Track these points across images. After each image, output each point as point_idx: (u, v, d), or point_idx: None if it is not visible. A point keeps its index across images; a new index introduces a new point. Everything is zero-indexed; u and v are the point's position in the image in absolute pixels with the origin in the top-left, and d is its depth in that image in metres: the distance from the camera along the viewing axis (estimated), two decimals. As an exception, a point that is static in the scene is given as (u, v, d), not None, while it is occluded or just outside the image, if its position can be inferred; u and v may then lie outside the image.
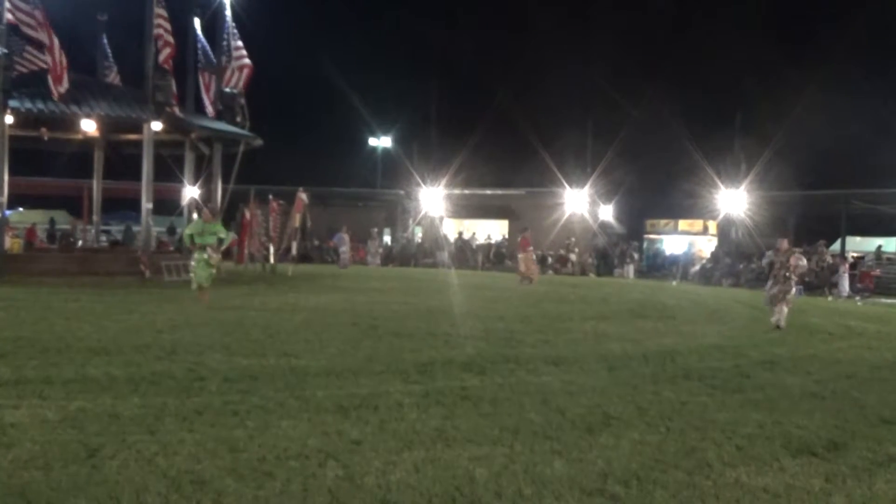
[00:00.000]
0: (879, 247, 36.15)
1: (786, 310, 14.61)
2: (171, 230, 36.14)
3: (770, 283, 15.11)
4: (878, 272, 31.85)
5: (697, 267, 36.44)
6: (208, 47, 26.09)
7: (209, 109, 25.66)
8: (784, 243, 15.32)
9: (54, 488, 4.78)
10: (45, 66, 20.10)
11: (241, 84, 24.89)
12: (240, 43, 25.46)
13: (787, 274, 14.77)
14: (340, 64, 59.52)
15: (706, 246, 41.89)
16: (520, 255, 26.85)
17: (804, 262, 15.69)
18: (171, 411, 6.57)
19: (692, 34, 59.79)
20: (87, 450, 5.47)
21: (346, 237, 32.85)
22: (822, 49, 52.77)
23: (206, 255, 15.12)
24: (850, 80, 43.97)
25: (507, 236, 43.90)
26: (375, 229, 39.57)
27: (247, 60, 25.30)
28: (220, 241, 15.64)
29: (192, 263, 15.36)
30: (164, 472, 5.10)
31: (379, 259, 38.20)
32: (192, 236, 15.42)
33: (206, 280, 15.25)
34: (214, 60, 25.78)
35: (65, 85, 20.39)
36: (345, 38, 74.37)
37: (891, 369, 10.47)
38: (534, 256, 27.91)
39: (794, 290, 14.99)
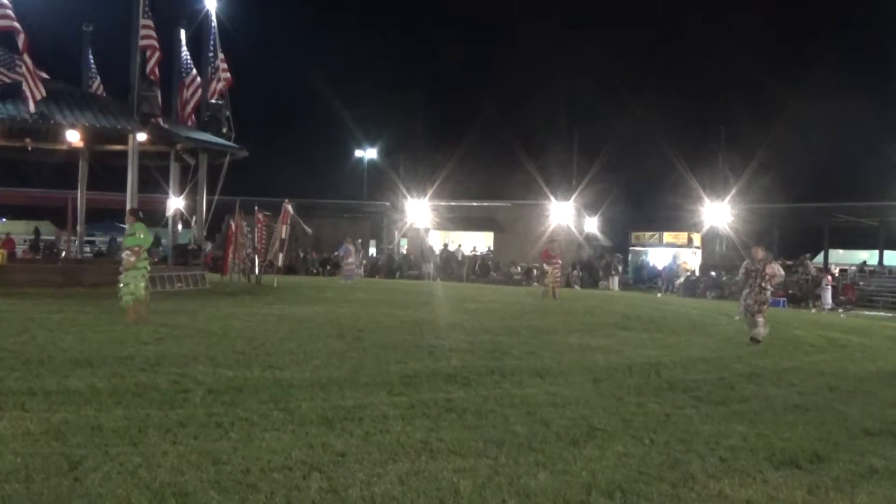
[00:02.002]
0: (864, 263, 36.51)
1: (761, 321, 14.08)
2: (157, 242, 36.01)
3: (745, 292, 14.54)
4: (860, 284, 32.15)
5: (682, 279, 36.63)
6: (190, 60, 26.13)
7: (188, 121, 25.69)
8: (758, 252, 14.64)
9: (36, 501, 4.73)
10: (25, 77, 20.03)
11: (219, 94, 25.03)
12: (221, 55, 25.56)
13: (763, 284, 14.21)
14: (327, 76, 59.66)
15: (690, 258, 42.15)
16: (545, 268, 26.57)
17: (781, 271, 15.09)
18: (155, 423, 6.53)
19: (677, 48, 60.30)
20: (70, 462, 5.43)
21: (350, 248, 32.37)
22: (806, 64, 53.33)
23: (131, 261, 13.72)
24: (834, 94, 44.36)
25: (492, 248, 43.97)
26: (360, 240, 39.63)
27: (227, 74, 25.42)
28: (140, 243, 13.95)
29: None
30: (147, 484, 5.06)
31: (362, 270, 38.14)
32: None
33: (127, 294, 13.68)
34: (193, 72, 25.84)
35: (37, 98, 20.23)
36: (331, 50, 74.59)
37: (874, 381, 10.53)
38: (559, 269, 26.83)
39: (769, 300, 14.39)
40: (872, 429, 7.41)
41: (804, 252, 33.80)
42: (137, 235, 14.02)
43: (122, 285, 13.84)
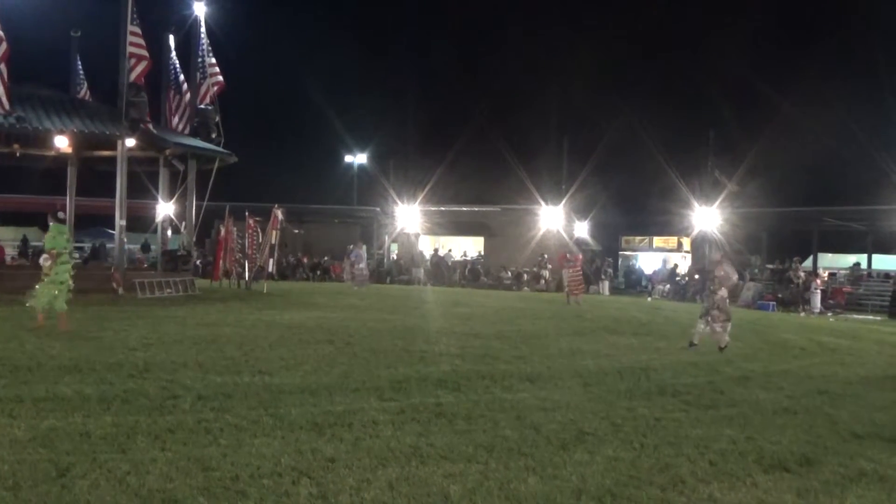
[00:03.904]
0: (853, 265, 36.62)
1: (701, 327, 13.51)
2: (146, 247, 35.96)
3: (704, 294, 14.05)
4: (849, 288, 32.25)
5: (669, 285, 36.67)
6: (178, 66, 26.11)
7: (178, 127, 25.66)
8: (715, 254, 13.88)
9: (23, 509, 4.71)
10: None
11: (209, 99, 25.00)
12: (213, 60, 25.51)
13: (713, 287, 13.67)
14: (317, 81, 59.64)
15: (681, 262, 42.23)
16: (564, 272, 26.15)
17: (732, 273, 14.10)
18: (144, 430, 6.50)
19: (667, 53, 60.55)
20: (58, 469, 5.40)
21: (363, 253, 31.49)
22: (795, 69, 53.58)
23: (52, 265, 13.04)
24: (823, 99, 44.62)
25: (482, 253, 43.97)
26: (351, 246, 39.64)
27: (219, 77, 25.38)
28: (54, 246, 13.20)
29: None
30: (136, 491, 5.04)
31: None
32: None
33: (42, 299, 13.04)
34: (182, 79, 25.83)
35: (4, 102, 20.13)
36: (322, 55, 74.59)
37: (863, 385, 10.58)
38: (580, 274, 26.11)
39: (719, 305, 13.48)
40: (861, 432, 7.45)
41: (793, 256, 33.89)
42: (52, 238, 13.31)
43: (37, 287, 13.23)
